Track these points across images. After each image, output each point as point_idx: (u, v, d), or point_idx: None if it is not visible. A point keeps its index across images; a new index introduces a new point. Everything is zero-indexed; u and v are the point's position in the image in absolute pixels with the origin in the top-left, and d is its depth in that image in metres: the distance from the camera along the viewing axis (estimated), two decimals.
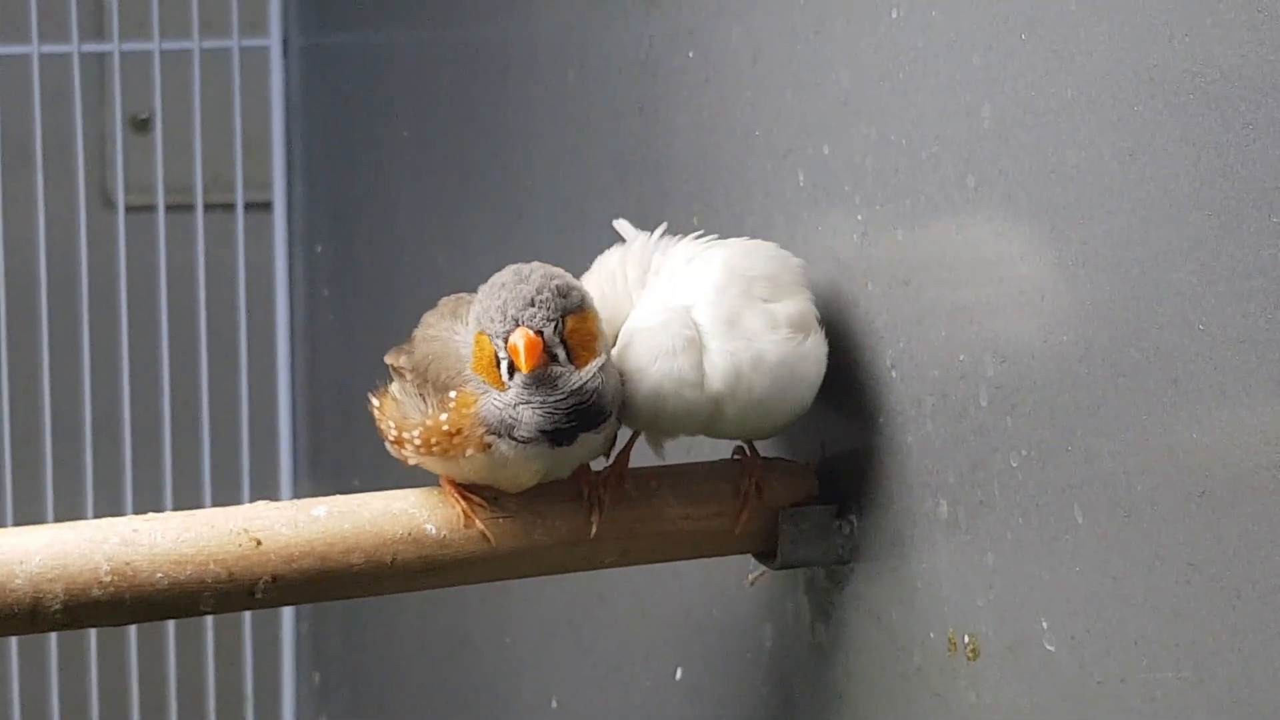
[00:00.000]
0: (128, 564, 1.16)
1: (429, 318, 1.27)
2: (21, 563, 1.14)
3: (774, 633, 1.39)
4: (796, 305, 1.25)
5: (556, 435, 1.19)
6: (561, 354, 1.18)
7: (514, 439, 1.19)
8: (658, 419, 1.25)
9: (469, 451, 1.20)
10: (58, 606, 1.14)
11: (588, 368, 1.19)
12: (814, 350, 1.24)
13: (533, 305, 1.17)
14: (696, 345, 1.22)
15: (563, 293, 1.18)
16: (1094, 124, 1.03)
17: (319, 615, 2.63)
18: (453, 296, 1.28)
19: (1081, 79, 1.04)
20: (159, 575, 1.16)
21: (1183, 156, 0.97)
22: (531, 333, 1.17)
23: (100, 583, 1.15)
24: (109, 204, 2.70)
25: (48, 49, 2.57)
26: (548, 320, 1.17)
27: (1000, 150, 1.11)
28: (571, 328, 1.18)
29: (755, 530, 1.29)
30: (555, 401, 1.18)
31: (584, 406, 1.18)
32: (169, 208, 2.62)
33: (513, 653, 1.91)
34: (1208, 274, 0.95)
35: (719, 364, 1.22)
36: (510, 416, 1.18)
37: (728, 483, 1.28)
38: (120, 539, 1.17)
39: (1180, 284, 0.97)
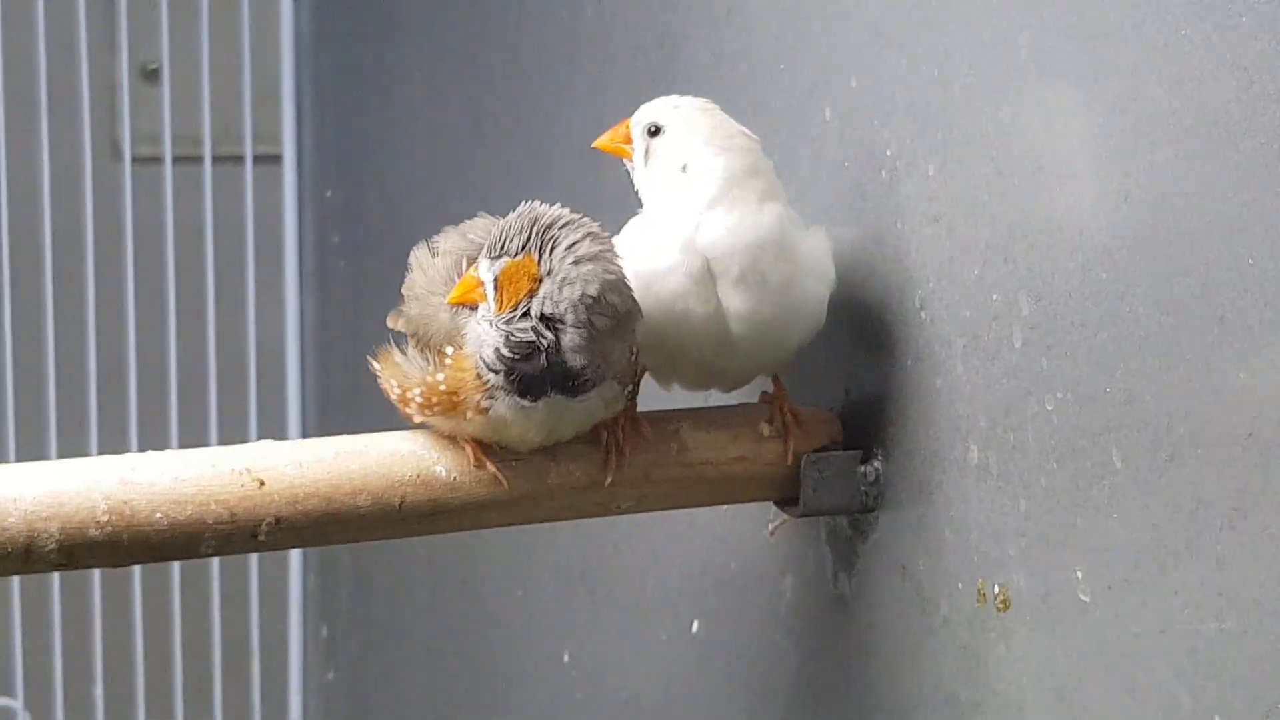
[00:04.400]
0: (126, 503, 1.12)
1: (418, 256, 1.23)
2: (15, 501, 1.10)
3: (794, 584, 1.35)
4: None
5: (522, 381, 1.15)
6: (490, 293, 1.16)
7: (487, 365, 1.15)
8: (669, 355, 1.21)
9: (469, 414, 1.17)
10: (53, 546, 1.11)
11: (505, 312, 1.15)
12: (819, 241, 1.22)
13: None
14: (698, 255, 1.19)
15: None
16: (1139, 50, 0.99)
17: (327, 568, 2.60)
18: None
19: (1126, 3, 0.99)
20: (158, 515, 1.13)
21: (1233, 81, 0.93)
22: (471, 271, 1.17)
23: (97, 522, 1.11)
24: (117, 155, 2.66)
25: None
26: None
27: (1038, 80, 1.07)
28: (505, 271, 1.16)
29: (776, 476, 1.25)
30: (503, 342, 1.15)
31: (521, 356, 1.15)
32: (177, 159, 2.59)
33: (525, 606, 1.88)
34: (1258, 205, 0.92)
35: (736, 299, 1.19)
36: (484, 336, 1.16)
37: (749, 426, 1.24)
38: (118, 478, 1.13)
39: (1229, 216, 0.93)
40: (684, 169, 1.21)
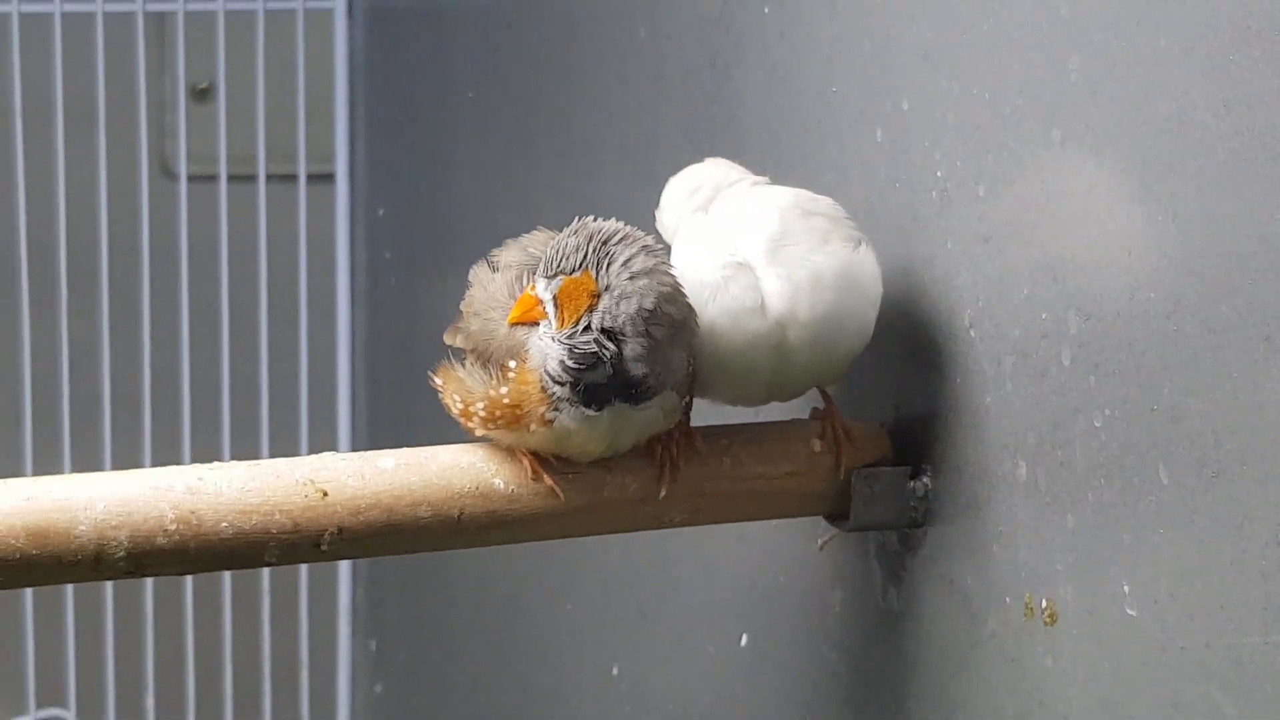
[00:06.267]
0: (193, 512, 1.15)
1: (478, 273, 1.26)
2: (86, 509, 1.13)
3: (843, 598, 1.36)
4: (844, 227, 1.24)
5: (587, 390, 1.17)
6: (551, 311, 1.18)
7: (553, 378, 1.17)
8: (724, 367, 1.22)
9: (533, 426, 1.19)
10: (122, 554, 1.13)
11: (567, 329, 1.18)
12: (868, 258, 1.23)
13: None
14: (748, 270, 1.21)
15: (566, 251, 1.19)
16: (1187, 74, 1.00)
17: (375, 582, 2.62)
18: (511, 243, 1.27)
19: (1175, 28, 1.01)
20: (224, 525, 1.15)
21: None
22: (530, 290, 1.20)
23: (165, 531, 1.14)
24: (172, 174, 2.69)
25: (112, 7, 2.56)
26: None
27: (1088, 103, 1.08)
28: (564, 288, 1.18)
29: (827, 491, 1.27)
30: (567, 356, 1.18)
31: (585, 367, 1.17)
32: (231, 178, 2.61)
33: (573, 619, 1.90)
34: None
35: (775, 287, 1.20)
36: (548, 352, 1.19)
37: (801, 442, 1.26)
38: (186, 487, 1.15)
39: (1276, 238, 0.95)
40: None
